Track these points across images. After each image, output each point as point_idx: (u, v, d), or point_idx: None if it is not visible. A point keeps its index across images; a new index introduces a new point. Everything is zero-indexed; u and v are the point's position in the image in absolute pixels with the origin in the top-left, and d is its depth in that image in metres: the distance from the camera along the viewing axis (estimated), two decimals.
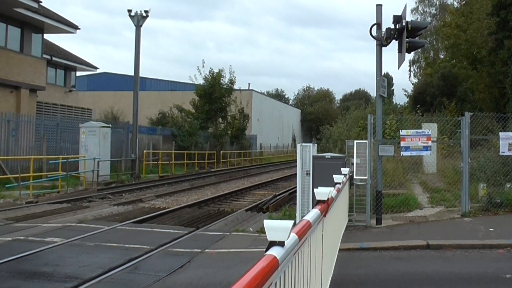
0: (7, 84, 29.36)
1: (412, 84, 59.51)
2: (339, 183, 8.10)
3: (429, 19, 57.93)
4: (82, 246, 11.41)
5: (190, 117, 48.43)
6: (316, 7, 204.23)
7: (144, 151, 34.16)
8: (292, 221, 2.87)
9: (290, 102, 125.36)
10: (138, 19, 31.81)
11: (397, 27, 13.65)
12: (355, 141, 14.19)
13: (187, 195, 23.49)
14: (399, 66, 14.52)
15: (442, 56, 56.45)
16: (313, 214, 4.56)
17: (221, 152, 48.07)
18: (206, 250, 11.22)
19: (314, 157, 13.16)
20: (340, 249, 9.52)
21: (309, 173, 13.03)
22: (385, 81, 14.74)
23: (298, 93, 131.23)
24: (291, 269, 3.23)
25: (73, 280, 8.77)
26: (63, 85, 40.67)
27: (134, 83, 32.71)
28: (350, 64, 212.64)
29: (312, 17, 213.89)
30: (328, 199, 5.49)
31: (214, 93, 50.21)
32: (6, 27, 29.73)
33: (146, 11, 31.95)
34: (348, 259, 9.92)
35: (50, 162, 24.88)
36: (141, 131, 36.04)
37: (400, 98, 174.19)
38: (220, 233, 13.33)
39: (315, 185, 9.89)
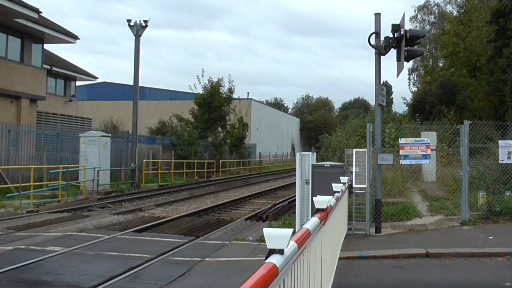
0: (7, 94, 29.42)
1: (411, 92, 59.76)
2: (338, 192, 8.13)
3: (428, 27, 58.09)
4: (82, 255, 11.44)
5: (190, 126, 48.48)
6: (315, 16, 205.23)
7: (144, 160, 34.16)
8: (292, 229, 2.91)
9: (289, 111, 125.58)
10: (138, 29, 31.89)
11: (395, 35, 13.70)
12: (354, 150, 14.22)
13: (186, 204, 23.50)
14: (398, 75, 14.59)
15: (441, 64, 56.59)
16: (312, 222, 4.59)
17: (220, 161, 48.06)
18: (206, 259, 11.24)
19: (313, 165, 13.18)
20: (339, 258, 9.54)
21: (308, 182, 13.05)
22: (384, 90, 14.79)
23: (297, 102, 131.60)
24: (290, 277, 3.26)
25: None
26: (63, 95, 40.75)
27: (133, 93, 32.76)
28: (349, 73, 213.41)
29: (311, 26, 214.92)
30: (327, 207, 5.53)
31: (213, 102, 50.29)
32: (7, 37, 29.80)
33: (145, 21, 32.06)
34: (347, 267, 9.94)
35: (50, 171, 24.92)
36: (140, 141, 36.07)
37: (399, 106, 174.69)
38: (220, 242, 13.35)
39: (314, 194, 9.93)
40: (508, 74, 32.75)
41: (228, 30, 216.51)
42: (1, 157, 24.35)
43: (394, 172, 18.18)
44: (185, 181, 37.23)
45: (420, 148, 13.87)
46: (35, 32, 31.35)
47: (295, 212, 14.26)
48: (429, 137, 15.86)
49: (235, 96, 54.50)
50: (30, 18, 29.09)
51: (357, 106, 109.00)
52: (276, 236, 2.83)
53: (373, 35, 13.95)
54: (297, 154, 13.79)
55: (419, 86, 59.16)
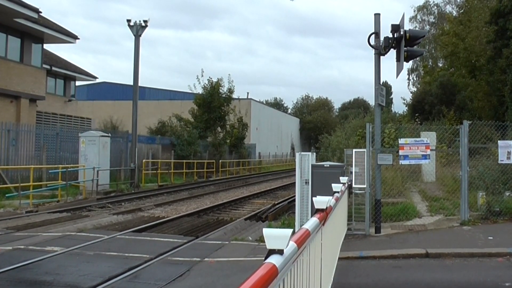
0: (7, 94, 29.41)
1: (411, 92, 59.71)
2: (338, 192, 8.12)
3: (427, 27, 58.01)
4: (82, 255, 11.43)
5: (189, 126, 48.46)
6: (314, 16, 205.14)
7: (143, 160, 34.16)
8: (291, 230, 2.90)
9: (289, 111, 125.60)
10: (137, 29, 31.88)
11: (395, 36, 13.70)
12: (354, 150, 14.22)
13: (186, 204, 23.49)
14: (397, 75, 14.59)
15: (440, 65, 56.57)
16: (312, 222, 4.58)
17: (220, 161, 48.05)
18: (206, 259, 11.23)
19: (313, 166, 13.18)
20: (339, 258, 9.53)
21: (308, 182, 13.04)
22: (384, 90, 14.79)
23: (297, 102, 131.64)
24: (290, 277, 3.25)
25: None
26: (62, 95, 40.75)
27: (133, 93, 32.75)
28: (349, 73, 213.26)
29: (310, 26, 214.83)
30: (326, 207, 5.53)
31: (213, 102, 50.26)
32: (6, 37, 29.80)
33: (145, 21, 32.05)
34: (347, 267, 9.93)
35: (49, 171, 24.89)
36: (140, 140, 36.05)
37: (398, 106, 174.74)
38: (219, 242, 13.34)
39: (314, 194, 9.93)
40: (508, 75, 32.75)
41: (228, 30, 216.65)
42: (1, 157, 24.34)
43: (393, 172, 18.18)
44: (184, 181, 37.22)
45: (419, 148, 13.87)
46: (34, 32, 31.35)
47: (294, 212, 14.26)
48: (429, 137, 15.86)
49: (234, 96, 54.54)
50: (29, 18, 29.10)
51: (357, 106, 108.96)
52: (275, 236, 2.82)
53: (373, 36, 13.96)
54: (297, 154, 13.79)
55: (419, 86, 59.09)
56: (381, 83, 14.41)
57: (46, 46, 35.68)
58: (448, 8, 58.19)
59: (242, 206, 23.56)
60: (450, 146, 19.54)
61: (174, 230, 15.82)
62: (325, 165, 13.57)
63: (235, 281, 8.97)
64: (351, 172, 13.73)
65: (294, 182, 14.66)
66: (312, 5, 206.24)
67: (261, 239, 12.94)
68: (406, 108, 57.23)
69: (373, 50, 14.04)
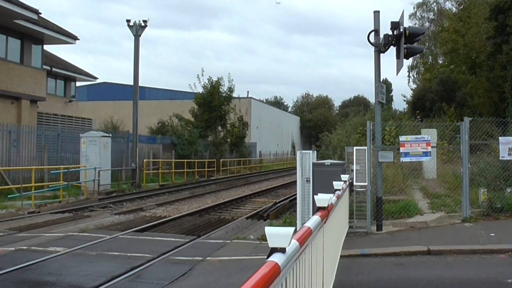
0: (8, 95, 29.41)
1: (411, 89, 59.55)
2: (339, 190, 8.14)
3: (427, 24, 57.95)
4: (84, 255, 11.44)
5: (190, 125, 48.47)
6: (314, 15, 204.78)
7: (144, 160, 34.17)
8: (293, 228, 2.91)
9: (289, 109, 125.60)
10: (137, 29, 31.90)
11: (395, 33, 13.69)
12: (355, 148, 14.22)
13: (187, 204, 23.51)
14: (397, 72, 14.58)
15: (440, 61, 56.46)
16: (313, 221, 4.60)
17: (220, 160, 48.06)
18: (208, 258, 11.25)
19: (313, 164, 13.19)
20: (341, 256, 9.54)
21: (309, 180, 13.06)
22: (384, 87, 14.79)
23: (297, 100, 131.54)
24: (292, 275, 3.26)
25: None
26: (63, 96, 40.74)
27: (133, 93, 32.77)
28: (349, 71, 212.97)
29: (310, 24, 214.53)
30: (328, 205, 5.54)
31: (213, 102, 50.31)
32: (6, 38, 29.79)
33: (144, 21, 32.08)
34: (349, 265, 9.95)
35: (51, 172, 24.91)
36: (141, 140, 36.06)
37: (399, 104, 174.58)
38: (221, 241, 13.36)
39: (315, 192, 9.93)
40: (508, 71, 32.69)
41: (227, 30, 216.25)
42: (2, 158, 24.36)
43: (394, 170, 18.18)
44: (185, 181, 37.25)
45: (420, 146, 13.87)
46: (34, 33, 31.36)
47: (296, 211, 14.27)
48: (430, 134, 15.87)
49: (235, 95, 54.58)
50: (29, 19, 29.09)
51: (357, 104, 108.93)
52: (277, 234, 2.83)
53: (373, 33, 13.95)
54: (298, 153, 13.81)
55: (419, 83, 58.97)
56: (381, 80, 14.42)
57: (46, 47, 35.66)
58: (448, 5, 58.11)
59: (243, 205, 23.57)
60: (451, 143, 19.55)
61: (176, 230, 15.83)
62: (326, 163, 13.58)
63: (238, 280, 8.99)
64: (352, 170, 13.73)
65: (295, 181, 14.67)
66: (311, 3, 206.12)
67: (262, 238, 12.96)
68: (407, 105, 57.12)
69: (373, 47, 14.04)
